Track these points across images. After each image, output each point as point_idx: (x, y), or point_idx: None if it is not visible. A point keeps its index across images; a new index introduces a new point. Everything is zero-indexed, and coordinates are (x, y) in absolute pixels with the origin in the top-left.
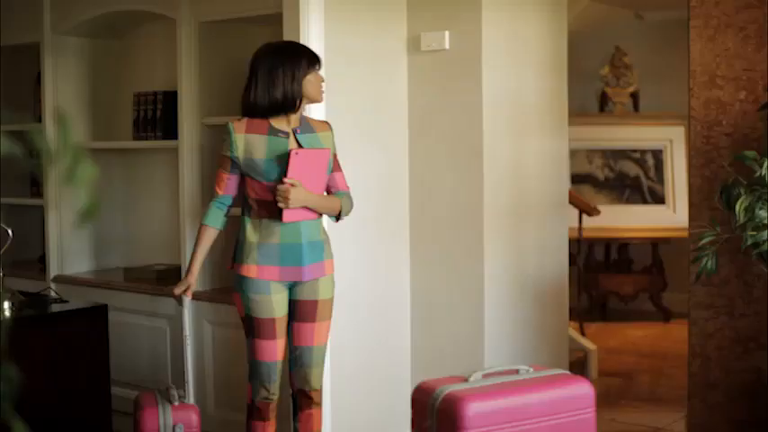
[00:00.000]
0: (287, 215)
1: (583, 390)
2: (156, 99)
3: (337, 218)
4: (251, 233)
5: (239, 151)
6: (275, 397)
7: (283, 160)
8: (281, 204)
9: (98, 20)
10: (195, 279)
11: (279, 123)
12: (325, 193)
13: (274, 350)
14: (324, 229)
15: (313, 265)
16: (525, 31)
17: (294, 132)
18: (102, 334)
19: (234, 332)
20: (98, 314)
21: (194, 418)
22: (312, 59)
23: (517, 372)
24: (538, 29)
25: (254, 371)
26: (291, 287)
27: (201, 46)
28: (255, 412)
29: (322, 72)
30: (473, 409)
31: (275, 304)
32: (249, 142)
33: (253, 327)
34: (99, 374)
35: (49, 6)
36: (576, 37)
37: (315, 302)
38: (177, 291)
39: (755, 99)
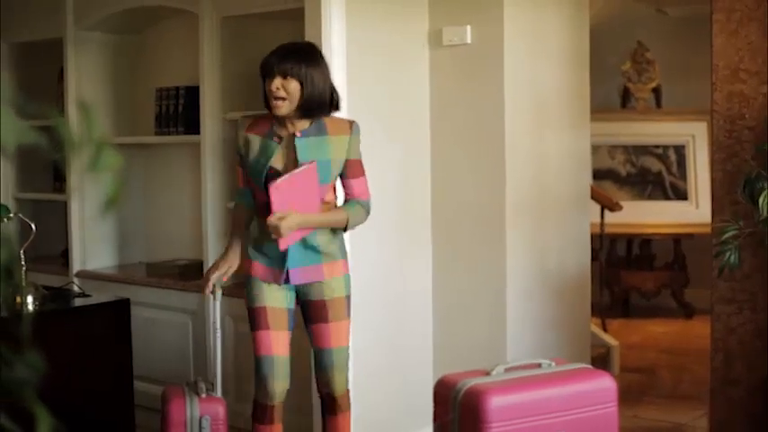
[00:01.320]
0: (282, 243)
1: (605, 384)
2: (179, 94)
3: (345, 229)
4: (253, 229)
5: (241, 149)
6: (275, 400)
7: (267, 167)
8: (274, 236)
9: (120, 15)
10: (237, 260)
11: (280, 127)
12: (337, 202)
13: (268, 342)
14: (328, 232)
15: (303, 268)
16: (547, 26)
17: (293, 136)
18: (125, 329)
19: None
20: (121, 309)
21: (221, 410)
22: (262, 69)
23: (539, 366)
24: (559, 24)
25: (255, 367)
26: (297, 287)
27: (223, 41)
28: (257, 412)
29: (343, 68)
30: (495, 403)
31: (267, 293)
32: (248, 141)
33: (250, 319)
34: (121, 369)
35: (72, 2)
36: (598, 32)
37: (323, 302)
38: (212, 277)
39: None
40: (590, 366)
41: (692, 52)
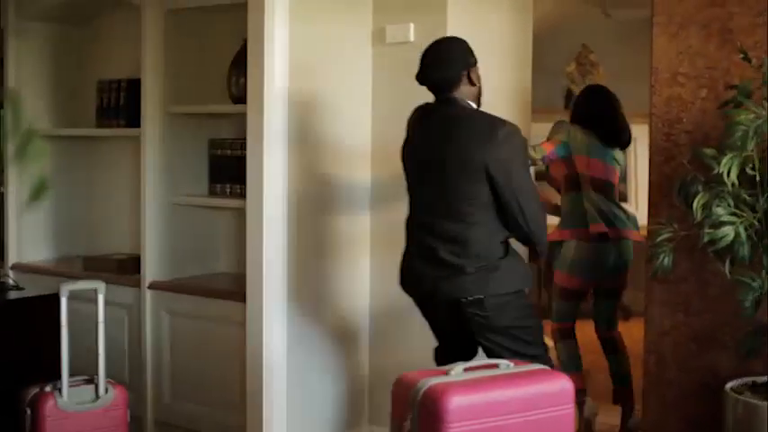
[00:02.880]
0: None
1: (563, 385)
2: (120, 87)
3: None
4: None
5: None
6: None
7: None
8: None
9: (63, 5)
10: None
11: None
12: None
13: None
14: None
15: None
16: (490, 26)
17: None
18: (58, 323)
19: (192, 322)
20: (54, 302)
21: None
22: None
23: (497, 366)
24: (503, 24)
25: None
26: None
27: (166, 34)
28: None
29: (286, 63)
30: (455, 403)
31: None
32: None
33: None
34: (54, 363)
35: None
36: (543, 33)
37: None
38: None
39: (716, 97)
40: (547, 368)
41: (636, 55)
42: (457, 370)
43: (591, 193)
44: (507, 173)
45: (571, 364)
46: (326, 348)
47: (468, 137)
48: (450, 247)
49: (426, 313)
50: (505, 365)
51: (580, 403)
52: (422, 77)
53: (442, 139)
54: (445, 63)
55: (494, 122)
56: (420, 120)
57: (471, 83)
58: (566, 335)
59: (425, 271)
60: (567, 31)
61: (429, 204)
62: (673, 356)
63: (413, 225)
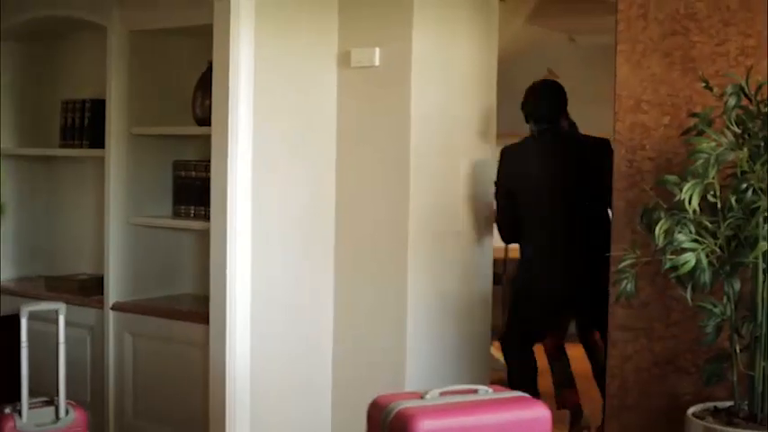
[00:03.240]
0: None
1: (540, 413)
2: (84, 107)
3: None
4: None
5: None
6: None
7: None
8: None
9: (27, 24)
10: None
11: None
12: None
13: None
14: None
15: None
16: (456, 50)
17: None
18: (17, 344)
19: (155, 344)
20: (15, 323)
21: None
22: None
23: (476, 392)
24: (469, 48)
25: None
26: None
27: (131, 55)
28: None
29: (251, 85)
30: (424, 427)
31: None
32: None
33: None
34: (14, 384)
35: None
36: (509, 58)
37: None
38: None
39: (679, 124)
40: (527, 395)
41: (601, 80)
42: (432, 393)
43: None
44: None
45: (566, 381)
46: (290, 369)
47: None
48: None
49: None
50: (484, 391)
51: (576, 415)
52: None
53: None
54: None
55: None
56: (535, 150)
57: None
58: (562, 352)
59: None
60: (532, 56)
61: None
62: (635, 381)
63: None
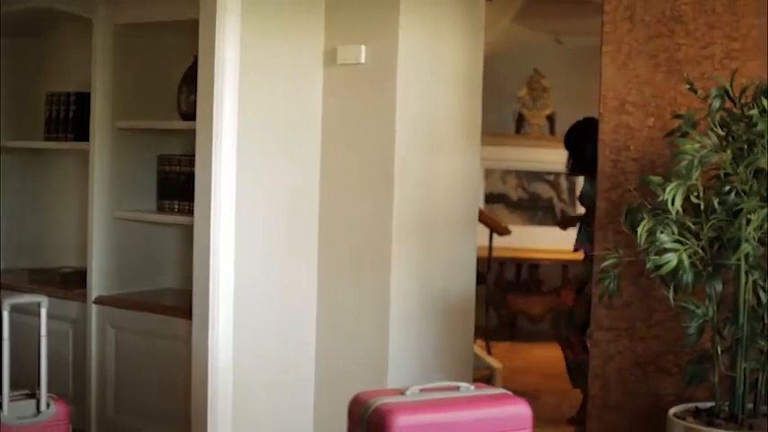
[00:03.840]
0: None
1: (520, 410)
2: (70, 100)
3: None
4: None
5: None
6: None
7: None
8: None
9: (12, 17)
10: None
11: None
12: None
13: None
14: None
15: None
16: (442, 49)
17: None
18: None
19: (137, 337)
20: None
21: None
22: None
23: (457, 388)
24: (455, 47)
25: None
26: None
27: (116, 48)
28: None
29: (236, 80)
30: (402, 422)
31: None
32: None
33: None
34: None
35: None
36: (496, 57)
37: None
38: None
39: (663, 126)
40: (509, 392)
41: (587, 81)
42: (413, 390)
43: None
44: None
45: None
46: (273, 365)
47: None
48: None
49: None
50: (466, 388)
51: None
52: None
53: None
54: None
55: None
56: None
57: None
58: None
59: None
60: (518, 56)
61: None
62: (617, 381)
63: None
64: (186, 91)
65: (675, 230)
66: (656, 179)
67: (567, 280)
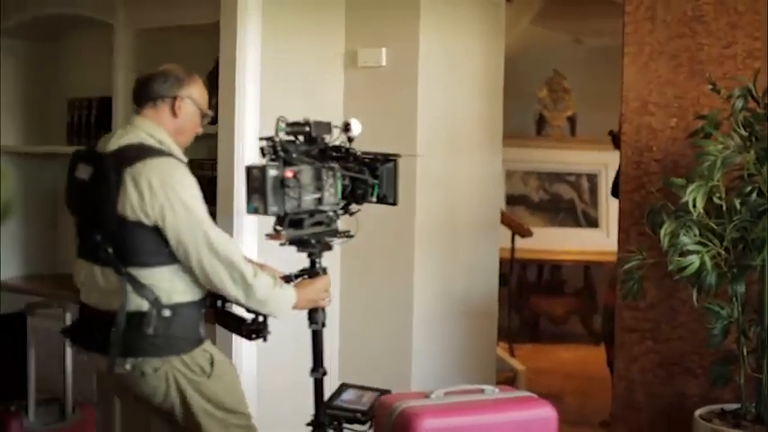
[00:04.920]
0: None
1: (546, 413)
2: (92, 105)
3: None
4: None
5: None
6: None
7: None
8: None
9: (34, 22)
10: None
11: None
12: None
13: None
14: None
15: None
16: (462, 51)
17: None
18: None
19: None
20: (21, 321)
21: None
22: None
23: (482, 391)
24: (475, 49)
25: None
26: None
27: (138, 53)
28: None
29: (257, 84)
30: (428, 426)
31: None
32: None
33: None
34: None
35: None
36: (516, 59)
37: None
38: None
39: (686, 126)
40: (534, 395)
41: (607, 82)
42: (437, 393)
43: None
44: None
45: None
46: (297, 369)
47: None
48: None
49: None
50: (491, 391)
51: None
52: None
53: None
54: None
55: None
56: None
57: None
58: None
59: None
60: (538, 58)
61: None
62: (642, 382)
63: None
64: (208, 94)
65: (698, 232)
66: (679, 181)
67: (613, 279)
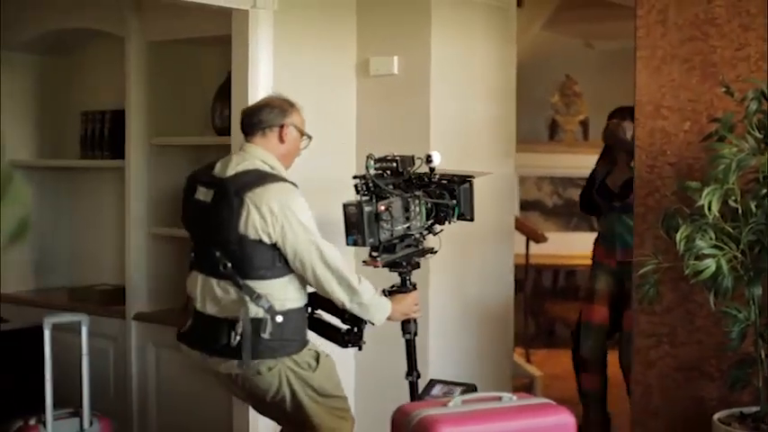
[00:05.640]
0: None
1: (564, 420)
2: (104, 118)
3: None
4: None
5: None
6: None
7: None
8: None
9: (47, 36)
10: None
11: None
12: None
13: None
14: None
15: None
16: (474, 58)
17: None
18: (41, 355)
19: (178, 354)
20: (38, 334)
21: None
22: None
23: (500, 399)
24: (487, 56)
25: None
26: None
27: (150, 65)
28: None
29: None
30: None
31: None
32: None
33: None
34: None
35: None
36: (527, 64)
37: None
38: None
39: (699, 130)
40: (552, 402)
41: (619, 86)
42: (455, 401)
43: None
44: None
45: None
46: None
47: None
48: None
49: None
50: (508, 398)
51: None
52: None
53: None
54: None
55: None
56: None
57: None
58: None
59: None
60: (549, 63)
61: None
62: (659, 387)
63: None
64: (220, 106)
65: (713, 235)
66: (694, 184)
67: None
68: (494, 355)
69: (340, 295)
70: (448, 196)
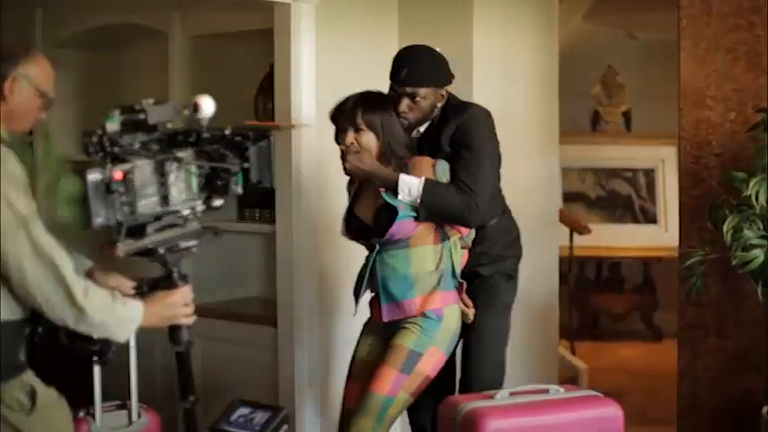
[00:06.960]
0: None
1: (612, 412)
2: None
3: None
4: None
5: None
6: None
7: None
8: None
9: (90, 32)
10: None
11: None
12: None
13: (346, 394)
14: (423, 261)
15: (391, 305)
16: (516, 49)
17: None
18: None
19: (223, 347)
20: None
21: None
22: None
23: (547, 391)
24: (529, 46)
25: None
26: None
27: (193, 60)
28: None
29: (313, 87)
30: (493, 426)
31: (359, 344)
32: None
33: None
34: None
35: (40, 18)
36: (569, 55)
37: (390, 346)
38: None
39: (745, 119)
40: (599, 394)
41: (662, 76)
42: (502, 394)
43: None
44: None
45: None
46: None
47: None
48: None
49: None
50: (555, 390)
51: None
52: None
53: None
54: None
55: None
56: None
57: None
58: None
59: None
60: (591, 53)
61: None
62: (706, 379)
63: None
64: (263, 99)
65: (761, 226)
66: (740, 175)
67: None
68: (539, 348)
69: (58, 309)
70: (233, 157)
